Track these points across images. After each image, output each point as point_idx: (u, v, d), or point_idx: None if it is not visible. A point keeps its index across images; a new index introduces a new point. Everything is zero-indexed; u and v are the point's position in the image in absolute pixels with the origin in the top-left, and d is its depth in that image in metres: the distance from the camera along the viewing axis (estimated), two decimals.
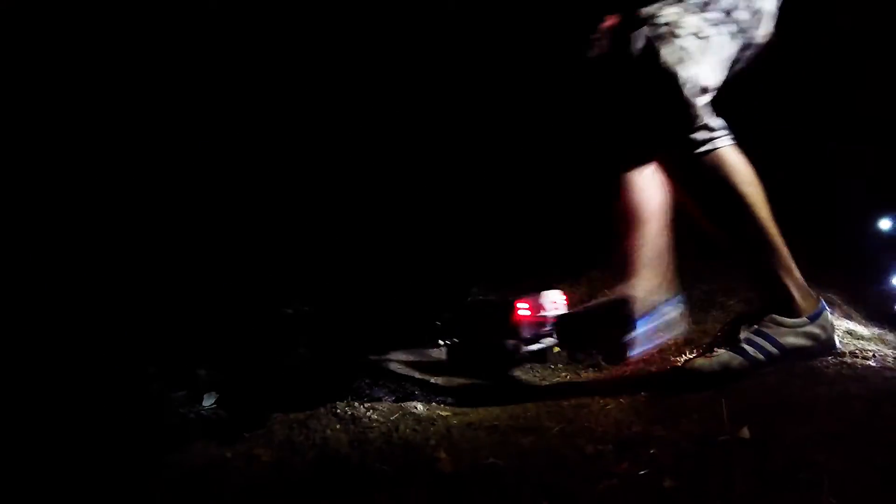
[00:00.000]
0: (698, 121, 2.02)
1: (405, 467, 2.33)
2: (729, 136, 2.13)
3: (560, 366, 3.52)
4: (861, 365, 2.54)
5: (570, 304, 2.97)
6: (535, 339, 2.83)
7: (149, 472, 2.72)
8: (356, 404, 2.93)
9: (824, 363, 2.62)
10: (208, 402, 3.32)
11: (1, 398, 2.95)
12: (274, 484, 2.42)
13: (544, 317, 2.76)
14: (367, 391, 3.25)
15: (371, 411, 2.85)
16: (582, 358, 3.52)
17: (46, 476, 2.75)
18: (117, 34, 3.70)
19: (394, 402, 3.00)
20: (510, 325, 2.78)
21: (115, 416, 3.12)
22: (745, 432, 2.15)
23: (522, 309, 2.69)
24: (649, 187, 2.42)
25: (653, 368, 2.95)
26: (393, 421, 2.73)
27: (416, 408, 2.89)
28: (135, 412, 3.18)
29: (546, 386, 3.21)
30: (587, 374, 3.31)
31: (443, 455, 2.37)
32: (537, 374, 3.44)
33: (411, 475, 2.27)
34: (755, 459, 2.00)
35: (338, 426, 2.77)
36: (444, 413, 2.83)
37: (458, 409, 2.88)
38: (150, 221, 3.64)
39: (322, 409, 2.93)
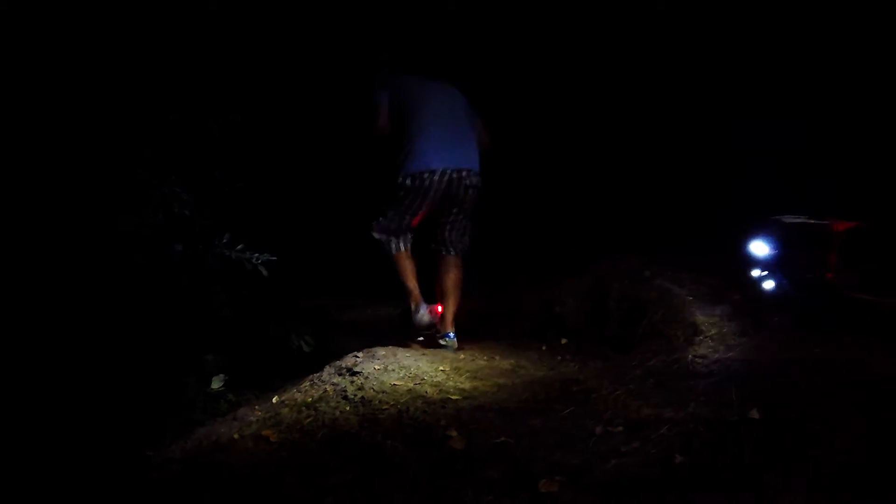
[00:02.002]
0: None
1: (417, 446, 2.35)
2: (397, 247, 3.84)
3: (568, 356, 3.57)
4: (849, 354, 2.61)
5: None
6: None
7: (158, 453, 2.74)
8: (366, 387, 2.94)
9: (822, 352, 2.66)
10: (216, 385, 3.33)
11: (25, 385, 2.97)
12: (283, 463, 2.43)
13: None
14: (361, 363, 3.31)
15: (381, 394, 2.87)
16: (589, 349, 3.57)
17: (60, 457, 2.76)
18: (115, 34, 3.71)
19: (403, 386, 3.00)
20: None
21: (127, 400, 3.12)
22: (755, 413, 2.18)
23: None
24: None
25: (661, 358, 2.97)
26: (403, 403, 2.75)
27: (425, 392, 2.90)
28: (145, 395, 3.19)
29: (554, 374, 3.24)
30: (595, 364, 3.34)
31: (454, 434, 2.38)
32: (545, 364, 3.48)
33: (423, 453, 2.29)
34: (764, 437, 2.02)
35: (347, 408, 2.78)
36: (453, 397, 2.84)
37: (467, 394, 2.90)
38: (159, 218, 3.64)
39: (332, 392, 2.95)
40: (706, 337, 3.06)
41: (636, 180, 5.09)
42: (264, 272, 3.56)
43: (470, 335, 4.12)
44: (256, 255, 3.58)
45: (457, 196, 3.60)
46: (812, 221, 3.23)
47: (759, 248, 3.38)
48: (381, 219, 3.73)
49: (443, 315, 3.84)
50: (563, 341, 3.85)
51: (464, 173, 3.54)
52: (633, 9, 5.00)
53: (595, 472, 2.02)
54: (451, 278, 3.87)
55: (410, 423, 2.54)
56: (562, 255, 4.75)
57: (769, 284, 3.29)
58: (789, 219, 3.30)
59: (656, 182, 4.97)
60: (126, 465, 2.69)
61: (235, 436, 2.73)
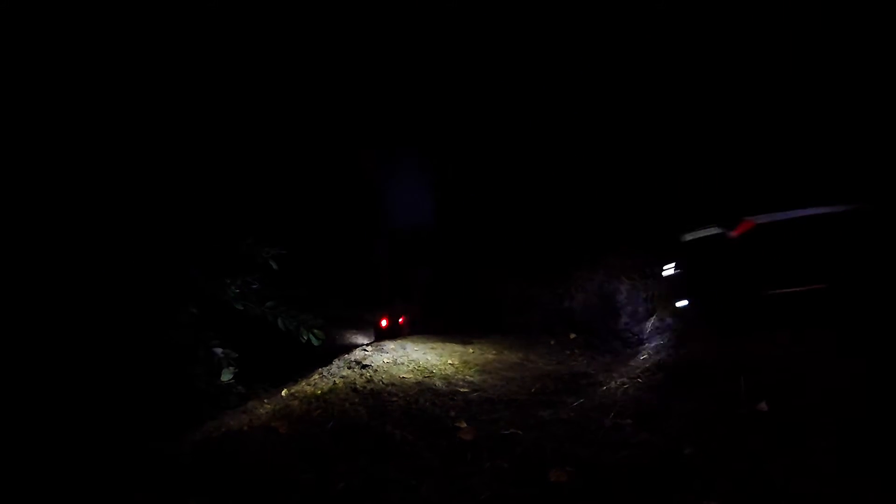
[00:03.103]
0: None
1: (426, 436, 2.34)
2: None
3: (577, 350, 3.57)
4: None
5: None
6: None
7: (168, 445, 2.74)
8: (375, 380, 2.95)
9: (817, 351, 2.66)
10: (226, 377, 3.33)
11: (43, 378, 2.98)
12: (293, 454, 2.43)
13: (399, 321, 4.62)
14: (370, 356, 3.34)
15: (390, 386, 2.87)
16: (598, 342, 3.57)
17: (72, 450, 2.77)
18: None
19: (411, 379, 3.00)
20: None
21: (138, 392, 3.13)
22: (763, 406, 2.18)
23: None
24: None
25: (671, 352, 2.97)
26: (412, 395, 2.75)
27: (434, 384, 2.90)
28: (155, 388, 3.20)
29: (563, 367, 3.24)
30: (604, 358, 3.34)
31: (463, 425, 2.39)
32: (554, 357, 3.48)
33: (432, 443, 2.29)
34: (772, 429, 2.02)
35: (357, 400, 2.78)
36: (462, 389, 2.84)
37: (476, 386, 2.89)
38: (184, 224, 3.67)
39: (341, 385, 2.96)
40: (714, 331, 3.06)
41: (642, 179, 5.10)
42: (274, 266, 3.56)
43: (478, 329, 4.13)
44: (266, 248, 3.59)
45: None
46: (707, 234, 3.30)
47: (669, 269, 3.49)
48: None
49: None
50: (572, 336, 3.85)
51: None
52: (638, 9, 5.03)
53: (605, 462, 2.02)
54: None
55: (419, 415, 2.54)
56: (571, 249, 4.75)
57: (682, 303, 3.35)
58: (690, 235, 3.37)
59: (662, 181, 4.98)
60: (136, 456, 2.69)
61: (245, 428, 2.73)
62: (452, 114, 4.66)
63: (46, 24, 3.38)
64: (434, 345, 3.72)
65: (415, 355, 3.35)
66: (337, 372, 3.15)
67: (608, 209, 4.99)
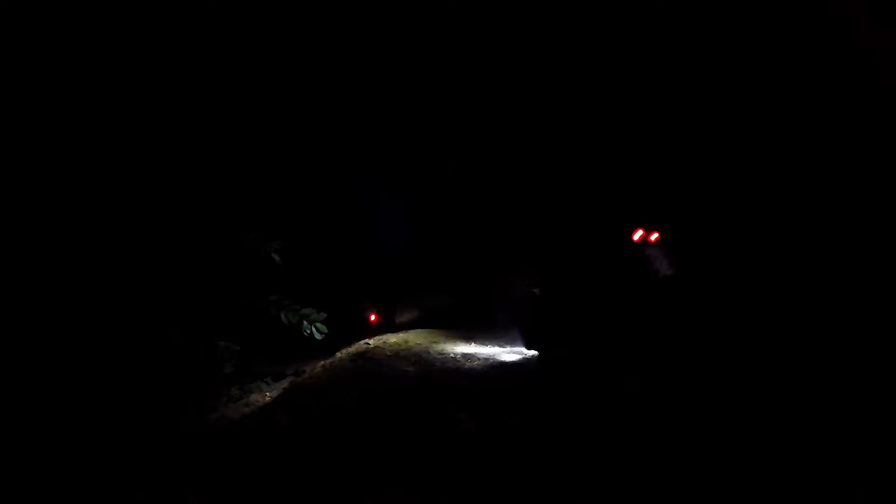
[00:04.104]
0: None
1: (427, 428, 2.36)
2: None
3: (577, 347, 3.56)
4: None
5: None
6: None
7: (169, 439, 2.74)
8: (376, 373, 2.95)
9: None
10: (228, 371, 3.32)
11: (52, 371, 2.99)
12: (293, 446, 2.43)
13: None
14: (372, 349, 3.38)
15: (392, 380, 2.88)
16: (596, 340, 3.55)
17: (72, 446, 2.77)
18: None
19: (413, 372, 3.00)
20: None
21: (142, 383, 3.13)
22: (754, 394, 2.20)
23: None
24: None
25: (670, 350, 2.96)
26: (414, 388, 2.77)
27: (436, 377, 2.92)
28: (158, 383, 3.19)
29: (563, 362, 3.23)
30: (602, 354, 3.32)
31: (464, 417, 2.39)
32: (554, 352, 3.46)
33: (434, 435, 2.30)
34: (759, 407, 2.06)
35: (357, 394, 2.79)
36: (464, 382, 2.84)
37: (476, 379, 2.91)
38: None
39: (342, 377, 2.96)
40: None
41: (641, 178, 5.07)
42: (277, 258, 3.54)
43: (480, 324, 4.13)
44: (269, 242, 3.57)
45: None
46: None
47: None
48: None
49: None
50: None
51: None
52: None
53: (604, 457, 2.03)
54: None
55: (420, 407, 2.56)
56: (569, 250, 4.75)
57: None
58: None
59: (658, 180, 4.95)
60: (136, 454, 2.68)
61: (246, 420, 2.75)
62: (452, 113, 4.63)
63: (50, 24, 3.38)
64: (437, 339, 3.73)
65: (417, 349, 3.37)
66: (339, 364, 3.17)
67: (608, 209, 4.97)
